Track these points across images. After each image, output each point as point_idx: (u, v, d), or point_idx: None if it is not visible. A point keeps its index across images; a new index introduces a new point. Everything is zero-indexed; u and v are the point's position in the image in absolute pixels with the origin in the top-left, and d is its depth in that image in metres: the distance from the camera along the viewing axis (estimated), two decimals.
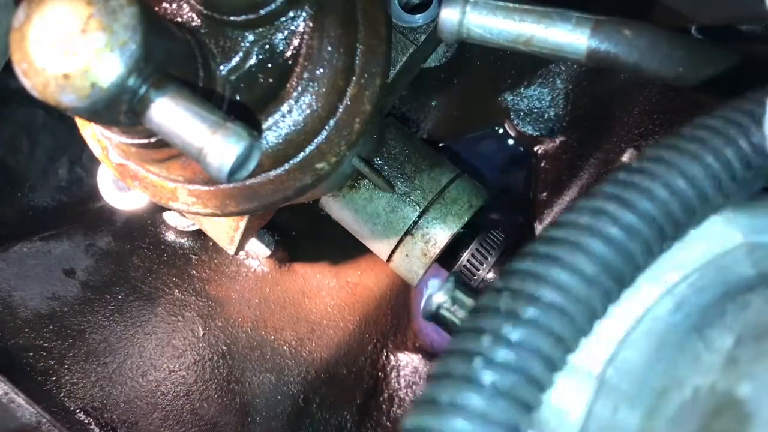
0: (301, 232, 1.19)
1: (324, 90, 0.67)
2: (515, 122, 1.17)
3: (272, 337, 1.15)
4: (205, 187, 0.69)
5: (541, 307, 0.41)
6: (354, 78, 0.68)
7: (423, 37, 0.85)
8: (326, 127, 0.68)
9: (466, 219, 0.95)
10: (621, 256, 0.43)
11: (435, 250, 0.95)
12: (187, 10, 0.64)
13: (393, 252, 0.96)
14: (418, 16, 0.85)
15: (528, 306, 0.41)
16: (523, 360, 0.40)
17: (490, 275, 0.96)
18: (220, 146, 0.53)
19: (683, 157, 0.45)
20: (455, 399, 0.39)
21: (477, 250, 0.97)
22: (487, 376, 0.39)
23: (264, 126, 0.66)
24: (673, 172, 0.45)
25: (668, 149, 0.46)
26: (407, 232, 0.95)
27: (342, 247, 1.14)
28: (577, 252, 0.43)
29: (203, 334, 1.14)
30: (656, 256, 0.45)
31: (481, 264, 0.96)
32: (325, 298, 1.16)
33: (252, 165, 0.56)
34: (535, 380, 0.40)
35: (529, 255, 0.44)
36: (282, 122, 0.67)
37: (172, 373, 1.12)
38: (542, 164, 1.18)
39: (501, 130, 1.19)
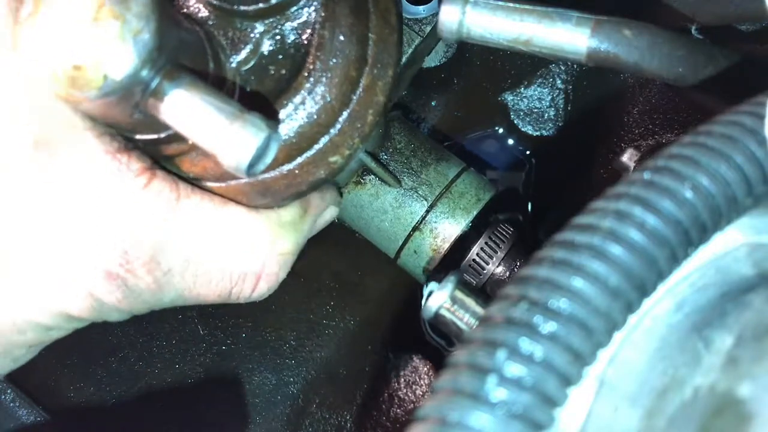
0: None
1: (337, 80, 0.64)
2: (515, 122, 1.17)
3: (272, 337, 1.14)
4: (216, 184, 0.67)
5: (561, 321, 0.39)
6: (367, 68, 0.66)
7: (428, 28, 0.85)
8: (340, 119, 0.66)
9: (475, 213, 0.93)
10: (645, 264, 0.41)
11: (444, 245, 0.92)
12: (195, 0, 0.62)
13: (401, 249, 0.94)
14: (421, 7, 0.85)
15: (547, 319, 0.39)
16: (539, 379, 0.38)
17: (500, 269, 0.94)
18: (238, 138, 0.51)
19: (713, 156, 0.43)
20: (466, 419, 0.38)
21: (486, 243, 0.94)
22: (501, 396, 0.38)
23: None
24: (701, 173, 0.43)
25: (696, 147, 0.44)
26: (415, 228, 0.92)
27: (342, 247, 1.14)
28: (600, 259, 0.41)
29: (203, 334, 1.13)
30: (680, 263, 0.43)
31: (491, 258, 0.94)
32: (325, 298, 1.16)
33: (269, 158, 0.54)
34: (550, 399, 0.39)
35: (547, 260, 0.42)
36: (295, 114, 0.64)
37: (172, 374, 1.12)
38: (542, 164, 1.18)
39: (501, 130, 1.19)
